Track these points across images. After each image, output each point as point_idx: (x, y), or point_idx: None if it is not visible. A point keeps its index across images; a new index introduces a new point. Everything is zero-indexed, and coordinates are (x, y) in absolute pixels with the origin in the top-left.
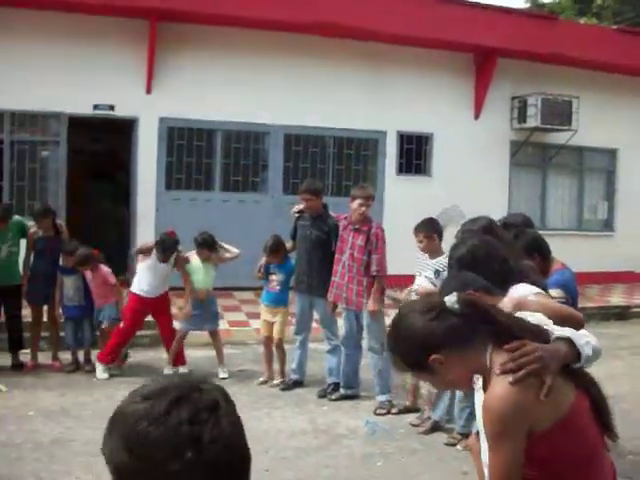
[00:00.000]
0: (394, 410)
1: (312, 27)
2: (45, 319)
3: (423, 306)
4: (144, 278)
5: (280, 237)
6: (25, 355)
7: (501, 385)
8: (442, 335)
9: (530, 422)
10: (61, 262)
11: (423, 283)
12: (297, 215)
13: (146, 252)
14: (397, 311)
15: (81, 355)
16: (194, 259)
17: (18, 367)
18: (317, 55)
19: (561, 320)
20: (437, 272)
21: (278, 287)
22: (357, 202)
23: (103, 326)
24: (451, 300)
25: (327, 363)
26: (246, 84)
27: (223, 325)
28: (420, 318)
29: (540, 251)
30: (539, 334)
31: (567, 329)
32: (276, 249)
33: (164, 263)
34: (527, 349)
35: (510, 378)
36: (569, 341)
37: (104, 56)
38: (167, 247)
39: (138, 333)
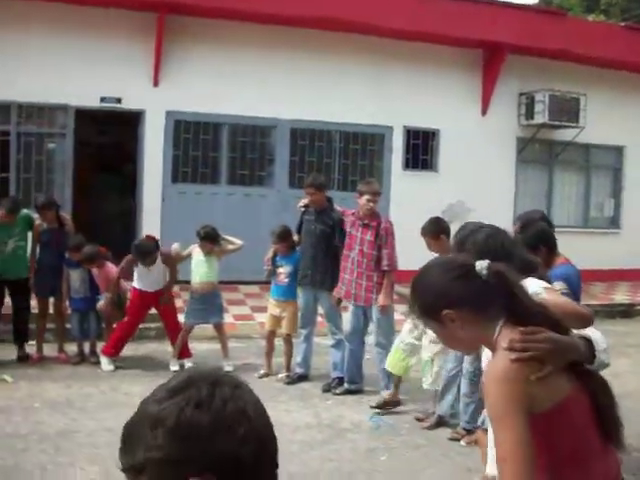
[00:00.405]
0: (372, 403)
1: (320, 22)
2: (51, 311)
3: (451, 263)
4: (141, 278)
5: (288, 226)
6: (31, 347)
7: (501, 359)
8: (459, 294)
9: (529, 400)
10: (67, 255)
11: None
12: (303, 209)
13: (131, 264)
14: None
15: (87, 347)
16: (196, 252)
17: (24, 359)
18: (325, 50)
19: (570, 318)
20: None
21: (286, 279)
22: (365, 198)
23: (98, 305)
24: (482, 265)
25: (332, 357)
26: (253, 78)
27: (228, 319)
28: (443, 273)
29: (547, 243)
30: (556, 325)
31: (593, 331)
32: (284, 237)
33: (151, 265)
34: (539, 336)
35: (513, 355)
36: (588, 342)
37: (111, 49)
38: (144, 252)
39: (143, 326)
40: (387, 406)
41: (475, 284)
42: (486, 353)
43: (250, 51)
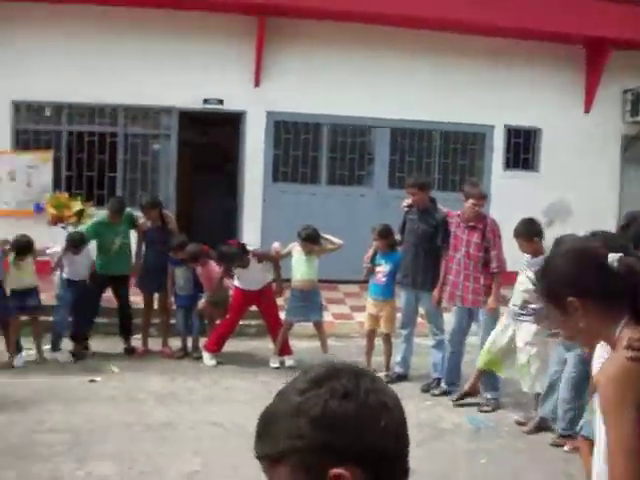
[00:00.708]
0: (452, 398)
1: (420, 21)
2: (156, 307)
3: (584, 250)
4: (242, 278)
5: (389, 225)
6: (136, 340)
7: (619, 357)
8: (587, 283)
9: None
10: (170, 253)
11: (523, 281)
12: (406, 209)
13: (229, 270)
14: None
15: (190, 342)
16: (297, 251)
17: (130, 351)
18: (425, 49)
19: None
20: None
21: (384, 279)
22: (471, 201)
23: (199, 304)
24: (614, 257)
25: (432, 358)
26: (353, 78)
27: (327, 317)
28: (574, 260)
29: None
30: None
31: None
32: (384, 234)
33: (242, 268)
34: None
35: (630, 353)
36: None
37: (214, 52)
38: (230, 258)
39: (244, 323)
40: (467, 396)
41: (604, 275)
42: (599, 353)
43: (350, 51)
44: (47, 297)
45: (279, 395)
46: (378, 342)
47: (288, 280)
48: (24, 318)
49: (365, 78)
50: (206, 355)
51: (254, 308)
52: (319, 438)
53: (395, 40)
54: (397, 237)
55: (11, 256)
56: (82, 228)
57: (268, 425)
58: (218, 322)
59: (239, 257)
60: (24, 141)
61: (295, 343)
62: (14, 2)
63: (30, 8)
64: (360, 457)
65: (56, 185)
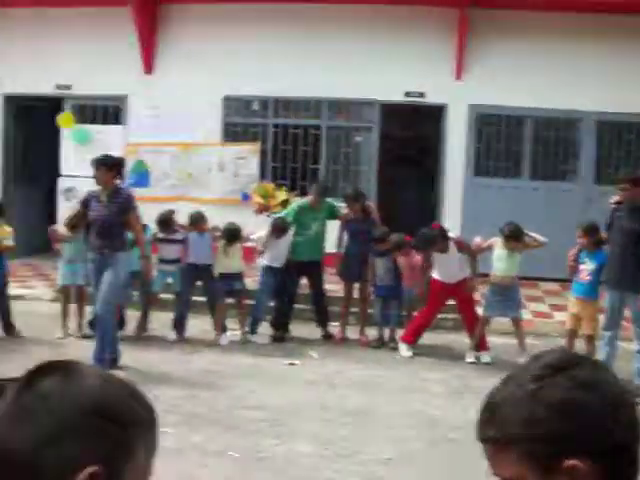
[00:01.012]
0: None
1: (627, 5)
2: (355, 296)
3: None
4: (441, 269)
5: (596, 222)
6: (333, 327)
7: None
8: None
9: None
10: (372, 245)
11: None
12: (614, 206)
13: (429, 255)
14: None
15: (386, 332)
16: (499, 246)
17: (327, 338)
18: (637, 36)
19: None
20: None
21: (588, 277)
22: None
23: (415, 291)
24: None
25: (635, 363)
26: (557, 70)
27: (526, 315)
28: None
29: None
30: None
31: None
32: (591, 232)
33: (443, 253)
34: None
35: None
36: None
37: (415, 45)
38: (430, 240)
39: (441, 316)
40: None
41: None
42: None
43: (554, 42)
44: (250, 282)
45: (509, 380)
46: (579, 343)
47: (485, 275)
48: (230, 300)
49: (570, 69)
50: (402, 346)
51: (451, 302)
52: (555, 427)
53: (603, 28)
54: (604, 235)
55: (221, 243)
56: (284, 212)
57: (496, 410)
58: (415, 314)
59: (439, 240)
60: (233, 134)
61: (492, 339)
62: (226, 3)
63: (239, 9)
64: (597, 450)
65: (262, 175)
